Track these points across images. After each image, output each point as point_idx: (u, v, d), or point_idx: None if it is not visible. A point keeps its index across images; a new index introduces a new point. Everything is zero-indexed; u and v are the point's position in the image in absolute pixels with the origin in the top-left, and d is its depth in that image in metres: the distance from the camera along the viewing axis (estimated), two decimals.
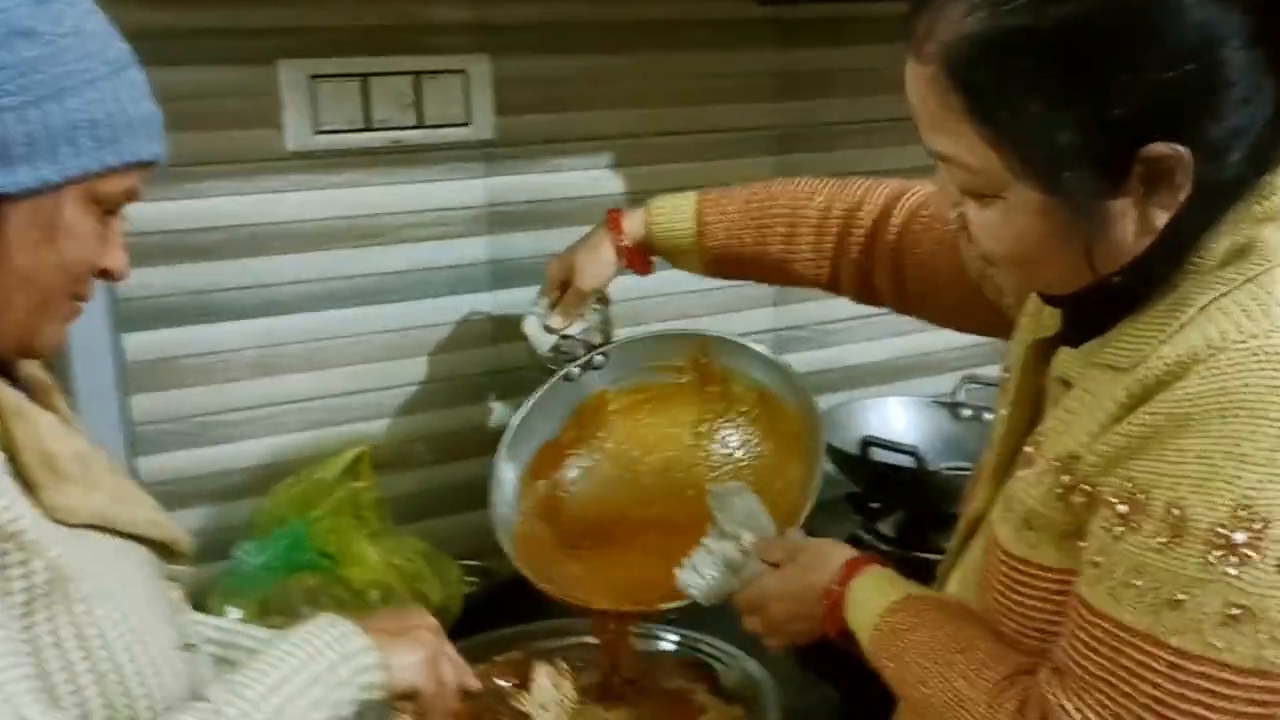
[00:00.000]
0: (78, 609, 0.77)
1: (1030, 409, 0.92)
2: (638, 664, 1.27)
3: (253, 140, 1.34)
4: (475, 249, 1.51)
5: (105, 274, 0.84)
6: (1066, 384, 0.86)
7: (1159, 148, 0.73)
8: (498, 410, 1.57)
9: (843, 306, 1.56)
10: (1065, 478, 0.80)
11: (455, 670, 0.98)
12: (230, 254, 1.37)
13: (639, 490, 1.38)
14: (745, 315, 1.70)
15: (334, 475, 1.43)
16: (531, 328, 1.35)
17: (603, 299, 1.37)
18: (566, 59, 1.50)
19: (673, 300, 1.60)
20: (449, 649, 0.98)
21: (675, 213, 1.30)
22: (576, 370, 1.38)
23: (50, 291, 0.80)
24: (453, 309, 1.51)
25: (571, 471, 1.39)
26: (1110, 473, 0.77)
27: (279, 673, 0.83)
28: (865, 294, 1.26)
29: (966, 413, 1.61)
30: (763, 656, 1.23)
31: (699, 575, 1.11)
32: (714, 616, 1.33)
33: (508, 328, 1.55)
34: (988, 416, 1.60)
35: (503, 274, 1.53)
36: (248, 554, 1.36)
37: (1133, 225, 0.77)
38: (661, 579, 1.15)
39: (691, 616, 1.33)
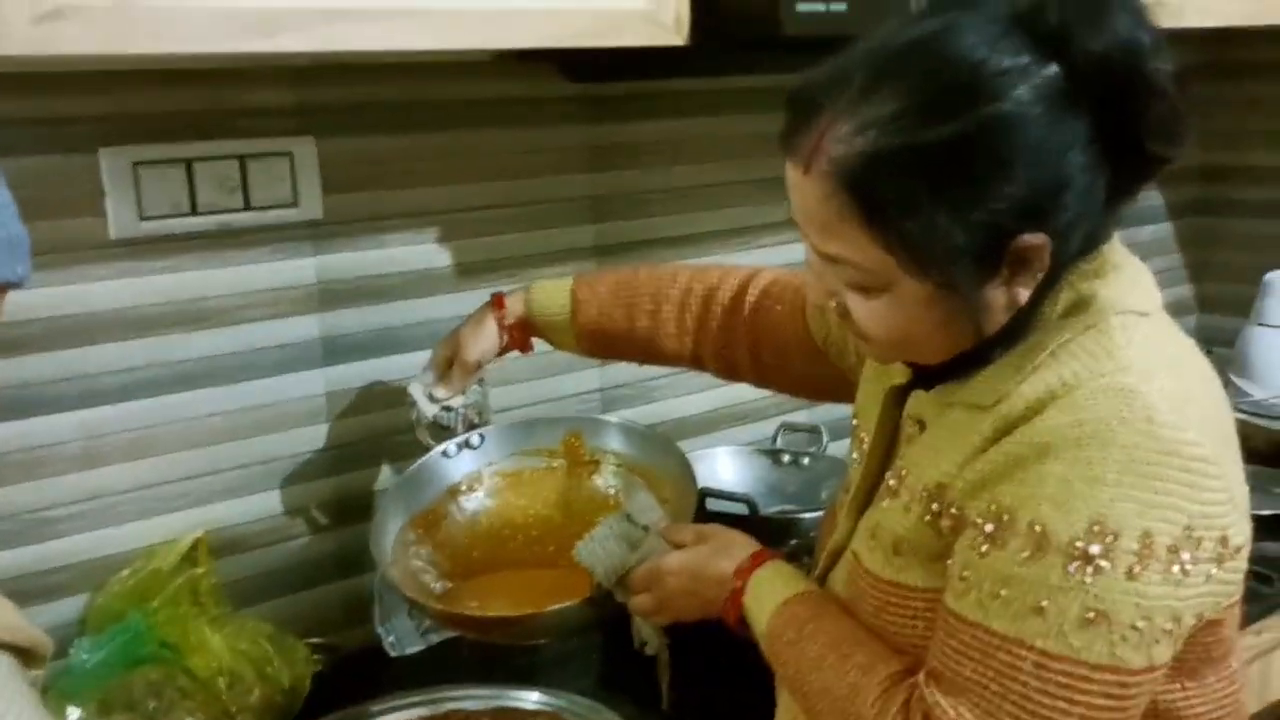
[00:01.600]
0: None
1: (884, 448, 1.02)
2: None
3: (76, 229, 1.32)
4: (306, 327, 1.52)
5: None
6: (921, 424, 0.96)
7: (1028, 239, 0.85)
8: (334, 485, 1.57)
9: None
10: (934, 505, 0.90)
11: None
12: (51, 346, 1.34)
13: (516, 539, 1.43)
14: (573, 376, 1.76)
15: (170, 564, 1.40)
16: (417, 394, 1.40)
17: (480, 380, 1.43)
18: (389, 138, 1.53)
19: (504, 367, 1.64)
20: None
21: (552, 292, 1.38)
22: (454, 448, 1.42)
23: None
24: (284, 388, 1.51)
25: (449, 526, 1.42)
26: (977, 497, 0.87)
27: None
28: (727, 369, 1.36)
29: (786, 458, 1.71)
30: (622, 709, 1.28)
31: (599, 548, 1.14)
32: (573, 673, 1.38)
33: (340, 403, 1.56)
34: (805, 461, 1.72)
35: (334, 350, 1.54)
36: (84, 651, 1.32)
37: (1003, 302, 0.89)
38: (545, 594, 1.21)
39: (551, 675, 1.37)
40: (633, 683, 1.31)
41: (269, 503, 1.53)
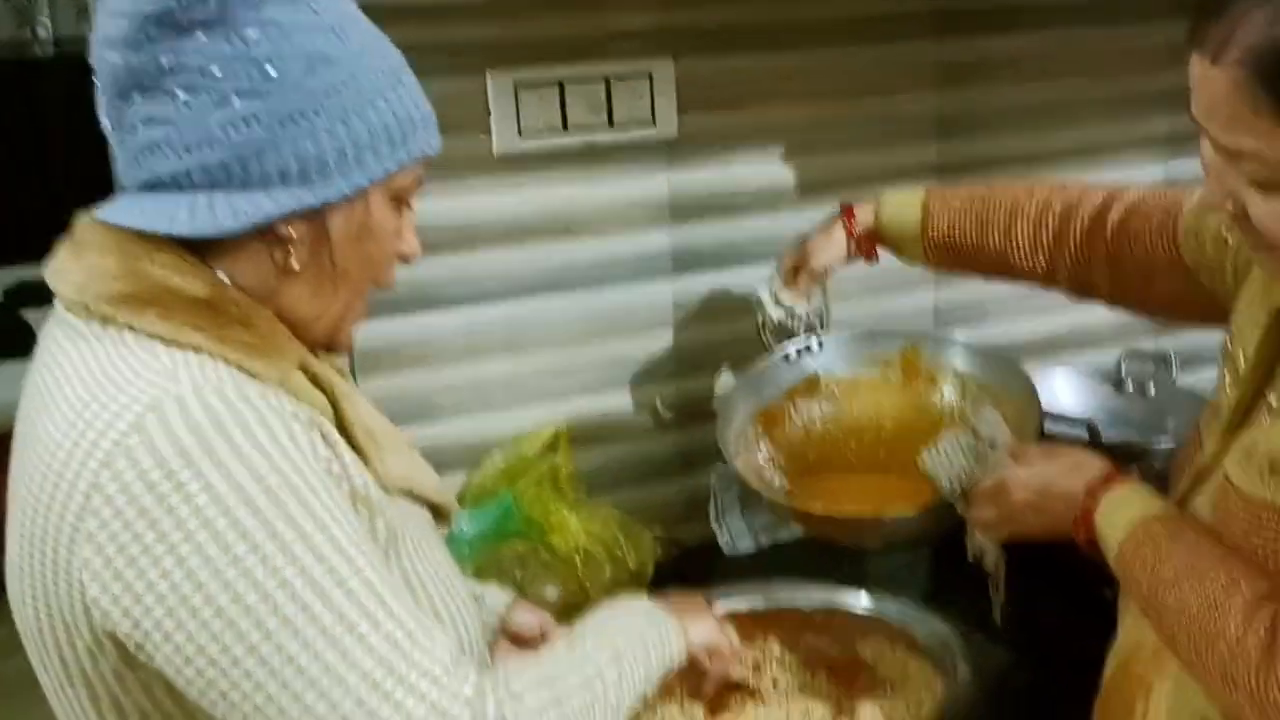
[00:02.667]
0: (405, 564, 0.89)
1: (1266, 369, 0.99)
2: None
3: (465, 146, 1.47)
4: (659, 239, 1.61)
5: (404, 259, 0.96)
6: None
7: None
8: (678, 389, 1.68)
9: (1001, 283, 1.63)
10: None
11: (735, 637, 1.12)
12: (441, 250, 1.50)
13: (853, 441, 1.47)
14: (908, 294, 1.77)
15: (535, 451, 1.55)
16: (764, 296, 1.47)
17: (824, 289, 1.47)
18: (741, 58, 1.59)
19: (839, 280, 1.68)
20: (724, 620, 1.11)
21: (903, 204, 1.39)
22: (794, 352, 1.48)
23: (362, 284, 0.93)
24: (638, 295, 1.62)
25: (790, 425, 1.48)
26: None
27: (608, 635, 0.95)
28: (1081, 289, 1.32)
29: (1130, 386, 1.66)
30: (951, 620, 1.32)
31: (945, 459, 1.17)
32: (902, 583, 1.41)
33: (686, 311, 1.66)
34: (1150, 390, 1.66)
35: (683, 262, 1.63)
36: (463, 523, 1.49)
37: None
38: (884, 499, 1.25)
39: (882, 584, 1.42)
40: (962, 596, 1.33)
41: (621, 401, 1.65)
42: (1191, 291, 1.20)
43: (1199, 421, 1.11)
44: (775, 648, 1.30)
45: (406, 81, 0.91)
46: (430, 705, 0.78)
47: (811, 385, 1.48)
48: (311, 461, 0.82)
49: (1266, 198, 0.88)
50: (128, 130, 0.85)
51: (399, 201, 0.93)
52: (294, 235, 0.87)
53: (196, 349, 0.82)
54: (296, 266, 0.88)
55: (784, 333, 1.48)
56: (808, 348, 1.48)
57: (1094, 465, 1.09)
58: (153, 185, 0.85)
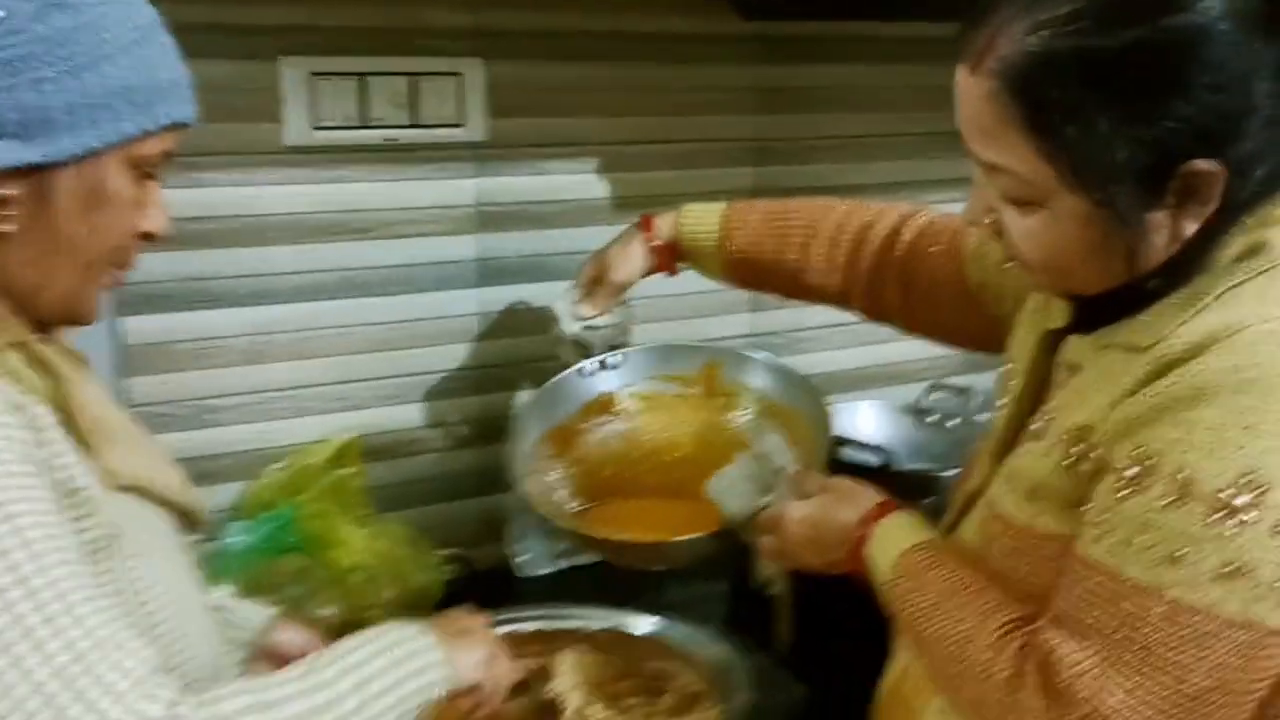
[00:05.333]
0: (127, 564, 0.81)
1: (1034, 394, 0.99)
2: None
3: (253, 134, 1.39)
4: (463, 247, 1.56)
5: (147, 236, 0.87)
6: (1074, 368, 0.93)
7: (1200, 164, 0.80)
8: (479, 404, 1.62)
9: (817, 314, 1.62)
10: (1076, 448, 0.87)
11: (508, 667, 1.03)
12: (226, 243, 1.41)
13: (647, 464, 1.43)
14: (722, 320, 1.76)
15: (321, 462, 1.48)
16: (561, 311, 1.42)
17: (623, 304, 1.43)
18: (558, 66, 1.55)
19: (655, 303, 1.65)
20: (501, 647, 1.03)
21: (703, 216, 1.37)
22: (591, 367, 1.43)
23: (96, 258, 0.84)
24: (439, 304, 1.56)
25: (583, 445, 1.43)
26: (1122, 441, 0.83)
27: (354, 661, 0.86)
28: (875, 308, 1.32)
29: (932, 418, 1.67)
30: (734, 643, 1.29)
31: (731, 487, 1.16)
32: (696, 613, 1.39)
33: (490, 324, 1.60)
34: (951, 424, 1.67)
35: (489, 272, 1.58)
36: (236, 535, 1.40)
37: (1165, 235, 0.84)
38: (675, 524, 1.22)
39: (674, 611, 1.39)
40: (755, 623, 1.32)
41: (416, 414, 1.58)
42: (977, 316, 1.21)
43: (976, 447, 1.11)
44: (559, 665, 1.25)
45: (157, 41, 0.84)
46: None
47: (606, 402, 1.44)
48: (7, 446, 0.74)
49: (1020, 213, 0.87)
50: None
51: (142, 172, 0.85)
52: (10, 194, 0.78)
53: None
54: (9, 228, 0.79)
55: (582, 348, 1.44)
56: (604, 363, 1.44)
57: (867, 497, 1.08)
58: None
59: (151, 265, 1.36)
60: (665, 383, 1.45)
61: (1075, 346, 0.95)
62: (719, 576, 1.57)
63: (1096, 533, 0.84)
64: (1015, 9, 0.81)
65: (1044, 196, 0.85)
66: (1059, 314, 0.98)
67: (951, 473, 1.46)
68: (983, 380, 1.80)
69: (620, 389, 1.44)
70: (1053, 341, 0.98)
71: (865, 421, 1.67)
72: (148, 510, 0.89)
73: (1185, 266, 0.86)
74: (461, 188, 1.54)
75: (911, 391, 1.87)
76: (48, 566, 0.71)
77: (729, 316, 1.76)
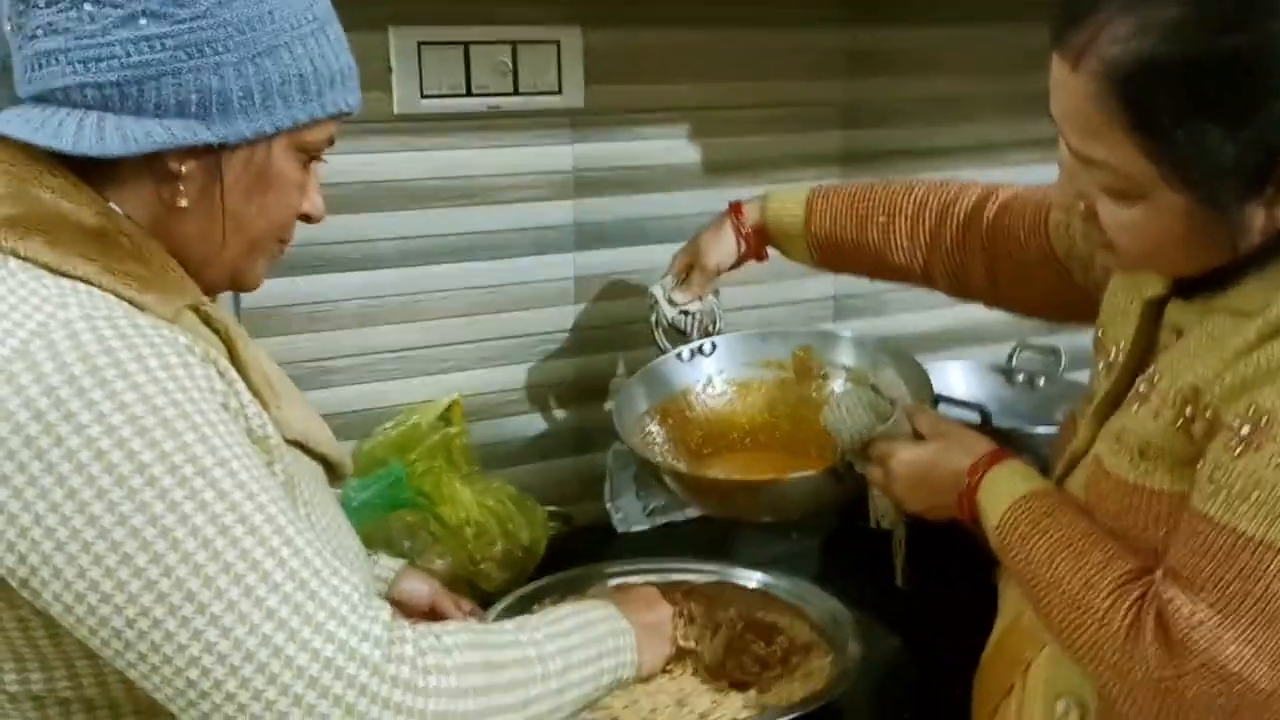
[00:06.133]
0: (303, 513, 0.85)
1: (1138, 357, 1.01)
2: None
3: (365, 102, 1.41)
4: (561, 212, 1.59)
5: (305, 218, 0.92)
6: (1178, 332, 0.95)
7: None
8: (575, 366, 1.66)
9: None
10: (1188, 409, 0.89)
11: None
12: (339, 209, 1.44)
13: (752, 439, 1.47)
14: (807, 282, 1.77)
15: (429, 421, 1.52)
16: (658, 296, 1.45)
17: (715, 291, 1.46)
18: (651, 31, 1.58)
19: (741, 271, 1.67)
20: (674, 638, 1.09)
21: (788, 200, 1.40)
22: (688, 353, 1.47)
23: (261, 235, 0.89)
24: (538, 269, 1.60)
25: (683, 424, 1.47)
26: (1235, 400, 0.86)
27: (562, 629, 0.91)
28: (959, 285, 1.34)
29: (1020, 378, 1.69)
30: (843, 598, 1.32)
31: (846, 414, 1.17)
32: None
33: (586, 288, 1.64)
34: (1040, 382, 1.69)
35: (585, 237, 1.61)
36: (352, 491, 1.45)
37: (1262, 220, 0.86)
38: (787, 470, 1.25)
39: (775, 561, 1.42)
40: (853, 582, 1.35)
41: (516, 375, 1.63)
42: (1065, 287, 1.22)
43: (1074, 410, 1.13)
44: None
45: (331, 33, 0.88)
46: (339, 644, 0.75)
47: (706, 386, 1.47)
48: (208, 395, 0.78)
49: (1116, 205, 0.89)
50: (26, 36, 0.81)
51: (306, 156, 0.89)
52: (184, 171, 0.83)
53: (85, 280, 0.78)
54: (184, 203, 0.84)
55: (678, 332, 1.47)
56: (700, 349, 1.47)
57: (980, 444, 1.10)
58: (44, 99, 0.81)
59: None
60: (759, 368, 1.48)
61: (1179, 311, 0.97)
62: (815, 535, 1.61)
63: (1211, 489, 0.86)
64: (1118, 7, 0.82)
65: (1144, 191, 0.86)
66: (1158, 282, 1.00)
67: (1043, 430, 1.49)
68: (1068, 340, 1.81)
69: (716, 374, 1.48)
70: (1156, 308, 1.00)
71: (955, 381, 1.69)
72: (310, 464, 0.94)
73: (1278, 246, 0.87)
74: (559, 153, 1.57)
75: (995, 352, 1.89)
76: (264, 504, 0.76)
77: (813, 280, 1.77)
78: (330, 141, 0.90)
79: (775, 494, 1.27)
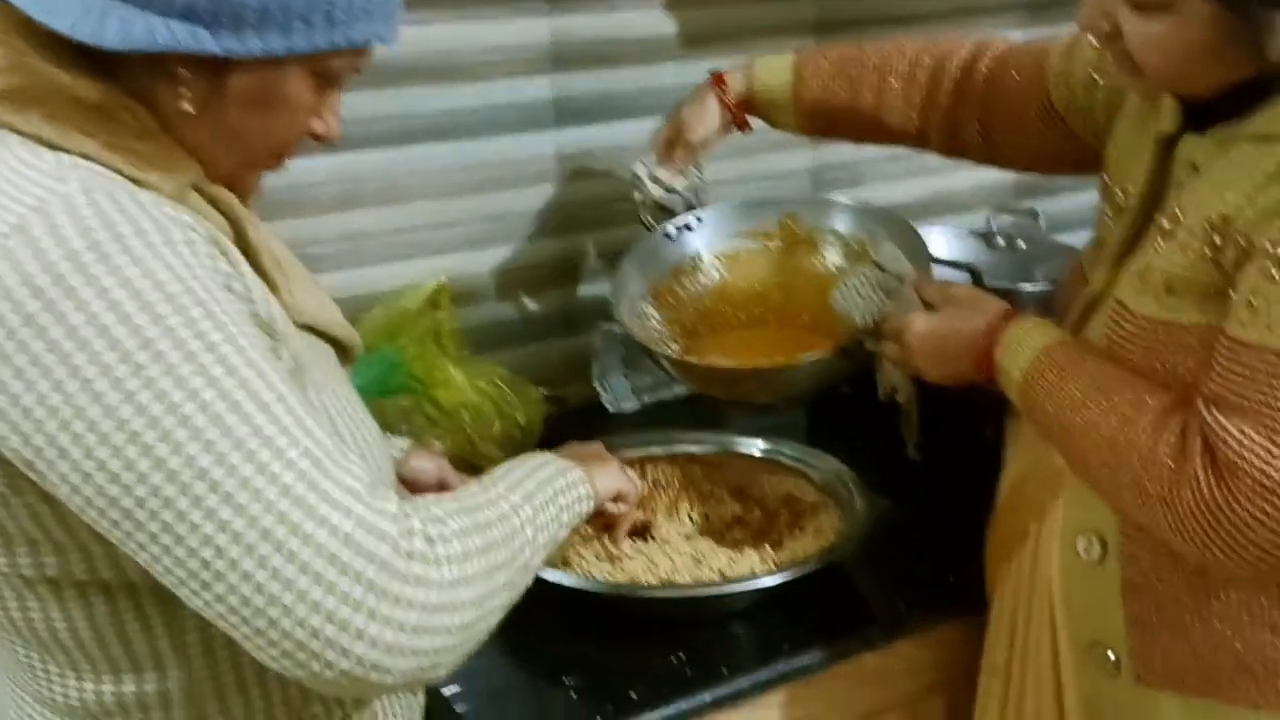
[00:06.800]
0: (312, 396, 0.83)
1: (1151, 198, 1.01)
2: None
3: None
4: (539, 87, 1.55)
5: (316, 137, 0.85)
6: (1194, 166, 0.95)
7: None
8: (558, 246, 1.64)
9: (873, 146, 1.62)
10: (1216, 238, 0.90)
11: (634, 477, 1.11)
12: None
13: (746, 312, 1.45)
14: (784, 155, 1.76)
15: (417, 305, 1.49)
16: (642, 174, 1.42)
17: (698, 165, 1.43)
18: None
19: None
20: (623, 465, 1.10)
21: (774, 68, 1.36)
22: (675, 230, 1.44)
23: (263, 151, 0.84)
24: (519, 146, 1.56)
25: (676, 302, 1.45)
26: (1267, 224, 0.86)
27: (517, 479, 0.91)
28: (953, 145, 1.33)
29: (1001, 241, 1.70)
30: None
31: (856, 295, 1.17)
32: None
33: (567, 166, 1.61)
34: (1020, 244, 1.70)
35: (564, 113, 1.58)
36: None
37: None
38: (788, 350, 1.24)
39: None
40: (841, 450, 1.36)
41: (501, 256, 1.60)
42: (1062, 138, 1.22)
43: (1080, 262, 1.14)
44: (679, 486, 1.30)
45: None
46: (357, 520, 0.73)
47: (695, 262, 1.46)
48: (212, 274, 0.75)
49: (1141, 18, 0.89)
50: None
51: (325, 80, 0.82)
52: (183, 75, 0.77)
53: (85, 155, 0.74)
54: (189, 108, 0.78)
55: (662, 209, 1.45)
56: (687, 226, 1.45)
57: (991, 304, 1.10)
58: None
59: None
60: (746, 239, 1.47)
61: (1192, 146, 0.97)
62: (798, 409, 1.61)
63: (1248, 314, 0.87)
64: None
65: (1170, 1, 0.86)
66: (1168, 119, 1.00)
67: (1031, 287, 1.50)
68: (1041, 204, 1.83)
69: (704, 248, 1.46)
70: (1166, 145, 1.01)
71: (938, 247, 1.69)
72: (321, 346, 0.92)
73: None
74: (535, 27, 1.53)
75: (970, 220, 1.90)
76: (274, 383, 0.74)
77: (790, 152, 1.77)
78: (356, 70, 0.83)
79: (786, 377, 1.26)
